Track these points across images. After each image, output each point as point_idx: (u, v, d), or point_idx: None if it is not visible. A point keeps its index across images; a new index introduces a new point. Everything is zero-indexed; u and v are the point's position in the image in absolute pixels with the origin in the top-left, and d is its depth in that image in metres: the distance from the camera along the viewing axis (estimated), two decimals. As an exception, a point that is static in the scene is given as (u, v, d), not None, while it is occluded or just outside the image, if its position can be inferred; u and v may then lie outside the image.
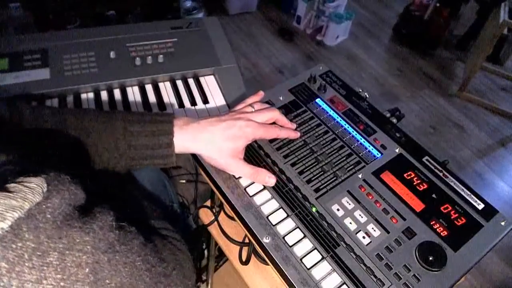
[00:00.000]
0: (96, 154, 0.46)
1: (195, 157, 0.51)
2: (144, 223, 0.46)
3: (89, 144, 0.46)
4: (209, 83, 0.80)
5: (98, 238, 0.30)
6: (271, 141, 0.53)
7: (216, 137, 0.48)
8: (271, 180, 0.48)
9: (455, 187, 0.49)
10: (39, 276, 0.25)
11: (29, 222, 0.25)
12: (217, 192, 0.50)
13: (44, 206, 0.26)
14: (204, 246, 0.91)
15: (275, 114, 0.52)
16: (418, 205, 0.47)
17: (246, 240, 0.57)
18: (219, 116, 0.50)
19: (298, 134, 0.53)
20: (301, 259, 0.42)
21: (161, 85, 0.78)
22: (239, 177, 0.49)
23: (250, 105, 0.53)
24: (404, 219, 0.46)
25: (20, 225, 0.24)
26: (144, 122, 0.47)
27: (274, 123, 0.53)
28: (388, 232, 0.45)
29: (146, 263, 0.35)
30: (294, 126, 0.54)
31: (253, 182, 0.49)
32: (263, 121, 0.51)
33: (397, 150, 0.53)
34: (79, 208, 0.29)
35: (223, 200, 0.49)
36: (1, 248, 0.23)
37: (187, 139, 0.48)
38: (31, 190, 0.26)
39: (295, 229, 0.45)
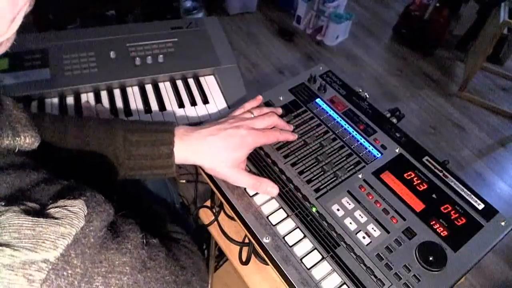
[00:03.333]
0: (95, 163, 0.46)
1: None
2: (158, 230, 0.46)
3: (89, 153, 0.45)
4: (209, 83, 0.80)
5: (134, 257, 0.30)
6: (271, 141, 0.53)
7: (217, 147, 0.47)
8: (274, 190, 0.47)
9: (455, 187, 0.49)
10: None
11: (76, 248, 0.25)
12: (217, 192, 0.50)
13: (87, 230, 0.26)
14: (204, 246, 0.91)
15: (275, 120, 0.52)
16: (418, 205, 0.47)
17: (246, 240, 0.57)
18: (220, 123, 0.49)
19: (296, 136, 0.53)
20: (301, 259, 0.42)
21: (161, 85, 0.78)
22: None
23: (250, 111, 0.53)
24: (404, 219, 0.46)
25: (68, 251, 0.24)
26: (144, 132, 0.46)
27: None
28: (388, 232, 0.45)
29: (172, 275, 0.35)
30: (291, 128, 0.54)
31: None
32: (262, 127, 0.51)
33: (397, 150, 0.53)
34: (110, 226, 0.29)
35: (223, 200, 0.49)
36: (54, 277, 0.23)
37: (187, 149, 0.47)
38: (76, 216, 0.26)
39: (295, 229, 0.45)
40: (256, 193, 0.48)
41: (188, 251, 0.43)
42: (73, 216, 0.26)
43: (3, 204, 0.24)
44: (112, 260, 0.28)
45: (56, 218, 0.25)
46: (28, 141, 0.33)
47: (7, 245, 0.22)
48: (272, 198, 0.48)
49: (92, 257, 0.26)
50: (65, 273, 0.24)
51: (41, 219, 0.24)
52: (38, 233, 0.24)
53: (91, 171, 0.47)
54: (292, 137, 0.53)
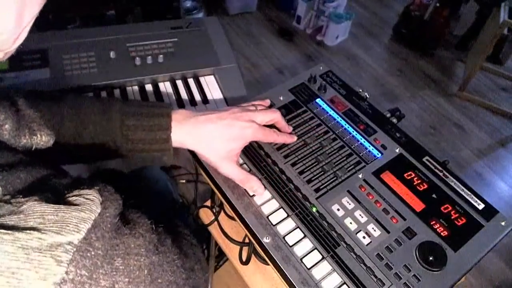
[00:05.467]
0: (93, 147, 0.46)
1: (195, 157, 0.51)
2: (160, 221, 0.47)
3: (86, 136, 0.46)
4: (209, 83, 0.80)
5: (147, 241, 0.31)
6: (271, 141, 0.53)
7: (214, 136, 0.46)
8: (259, 190, 0.47)
9: (455, 187, 0.49)
10: (112, 281, 0.27)
11: (96, 232, 0.26)
12: (217, 192, 0.50)
13: (104, 216, 0.28)
14: (204, 246, 0.91)
15: (277, 116, 0.51)
16: (418, 205, 0.47)
17: (246, 240, 0.57)
18: (220, 111, 0.49)
19: (294, 139, 0.53)
20: (301, 259, 0.42)
21: (161, 85, 0.78)
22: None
23: (253, 104, 0.52)
24: (404, 219, 0.46)
25: (89, 234, 0.26)
26: (141, 116, 0.46)
27: (273, 125, 0.52)
28: (388, 232, 0.45)
29: (179, 260, 0.37)
30: (290, 129, 0.54)
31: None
32: (264, 122, 0.50)
33: (397, 150, 0.53)
34: (119, 215, 0.31)
35: (223, 200, 0.49)
36: (79, 258, 0.24)
37: (184, 134, 0.47)
38: (93, 202, 0.27)
39: (295, 229, 0.45)
40: (256, 193, 0.48)
41: (188, 242, 0.44)
42: (91, 203, 0.27)
43: (21, 196, 0.25)
44: (128, 243, 0.29)
45: (75, 205, 0.26)
46: (44, 139, 0.35)
47: (34, 228, 0.23)
48: (273, 198, 0.48)
49: (111, 240, 0.28)
50: (88, 254, 0.25)
51: (62, 206, 0.26)
52: (61, 218, 0.25)
53: (89, 153, 0.47)
54: (289, 139, 0.52)
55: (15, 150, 0.32)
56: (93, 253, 0.26)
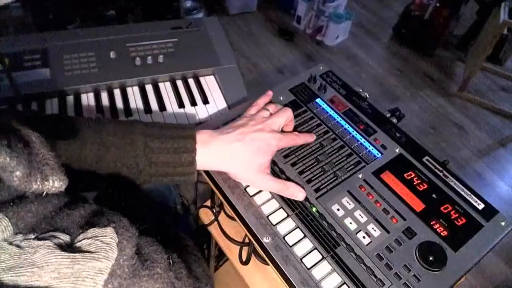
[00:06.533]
0: (115, 170, 0.44)
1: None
2: (167, 235, 0.45)
3: (108, 160, 0.43)
4: (209, 83, 0.80)
5: (165, 282, 0.30)
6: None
7: (243, 154, 0.46)
8: (300, 194, 0.47)
9: (455, 187, 0.49)
10: None
11: (113, 281, 0.25)
12: (217, 192, 0.50)
13: (121, 260, 0.26)
14: (204, 246, 0.91)
15: (290, 114, 0.51)
16: (418, 205, 0.47)
17: (246, 240, 0.57)
18: (241, 126, 0.47)
19: (314, 137, 0.53)
20: (301, 259, 0.42)
21: (161, 85, 0.78)
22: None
23: (265, 108, 0.51)
24: (404, 219, 0.46)
25: (107, 286, 0.24)
26: (165, 138, 0.44)
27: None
28: (388, 232, 0.45)
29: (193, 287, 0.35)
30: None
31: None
32: (282, 126, 0.50)
33: (397, 150, 0.53)
34: (136, 253, 0.29)
35: (223, 200, 0.49)
36: None
37: (211, 156, 0.46)
38: (110, 247, 0.26)
39: (295, 229, 0.45)
40: (256, 193, 0.48)
41: (196, 258, 0.43)
42: (107, 248, 0.26)
43: (32, 237, 0.24)
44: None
45: (91, 252, 0.25)
46: (56, 185, 0.32)
47: (47, 287, 0.22)
48: (273, 198, 0.48)
49: (128, 287, 0.26)
50: None
51: (77, 254, 0.24)
52: (77, 271, 0.23)
53: (109, 179, 0.45)
54: (310, 139, 0.52)
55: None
56: None
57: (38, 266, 0.22)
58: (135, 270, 0.28)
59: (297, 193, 0.47)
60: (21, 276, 0.22)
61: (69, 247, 0.25)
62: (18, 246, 0.23)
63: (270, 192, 0.48)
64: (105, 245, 0.26)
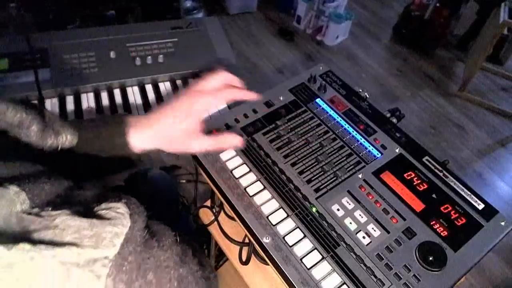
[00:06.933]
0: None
1: (195, 157, 0.51)
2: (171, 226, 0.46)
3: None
4: (209, 83, 0.80)
5: (174, 253, 0.32)
6: (271, 141, 0.53)
7: (166, 126, 0.43)
8: (236, 140, 0.45)
9: (455, 187, 0.49)
10: None
11: (128, 246, 0.27)
12: (217, 192, 0.50)
13: (134, 230, 0.28)
14: (204, 246, 0.91)
15: (226, 76, 0.47)
16: (418, 205, 0.47)
17: (246, 240, 0.57)
18: (169, 102, 0.45)
19: (255, 96, 0.48)
20: (301, 259, 0.42)
21: (161, 85, 0.78)
22: (239, 177, 0.49)
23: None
24: (404, 219, 0.46)
25: (123, 249, 0.26)
26: (97, 127, 0.43)
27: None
28: (388, 232, 0.45)
29: (200, 270, 0.37)
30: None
31: (253, 182, 0.49)
32: (214, 87, 0.46)
33: (397, 150, 0.53)
34: (146, 227, 0.31)
35: (223, 200, 0.49)
36: (116, 272, 0.25)
37: (143, 137, 0.43)
38: (124, 216, 0.28)
39: (295, 229, 0.45)
40: (256, 193, 0.48)
41: (199, 250, 0.44)
42: (122, 217, 0.27)
43: (50, 209, 0.25)
44: (157, 256, 0.30)
45: (107, 219, 0.27)
46: (69, 138, 0.35)
47: (72, 244, 0.24)
48: (272, 198, 0.47)
49: (141, 254, 0.28)
50: (124, 268, 0.26)
51: (95, 220, 0.26)
52: (96, 233, 0.25)
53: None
54: (251, 96, 0.48)
55: (33, 160, 0.32)
56: (128, 267, 0.26)
57: (60, 228, 0.24)
58: (147, 240, 0.29)
59: (233, 140, 0.45)
60: (44, 237, 0.23)
61: (87, 217, 0.26)
62: (37, 215, 0.25)
63: (270, 192, 0.48)
64: (120, 214, 0.28)
